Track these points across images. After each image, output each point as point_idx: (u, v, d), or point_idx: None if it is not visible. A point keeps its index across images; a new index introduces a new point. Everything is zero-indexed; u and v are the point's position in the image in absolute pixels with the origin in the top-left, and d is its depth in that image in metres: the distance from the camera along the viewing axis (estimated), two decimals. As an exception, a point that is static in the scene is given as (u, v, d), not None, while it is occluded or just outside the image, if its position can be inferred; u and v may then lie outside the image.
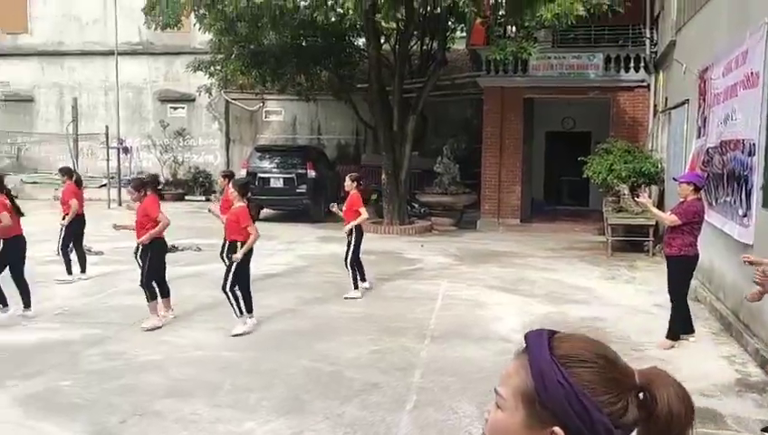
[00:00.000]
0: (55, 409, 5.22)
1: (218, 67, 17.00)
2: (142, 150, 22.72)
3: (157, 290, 7.65)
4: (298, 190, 16.64)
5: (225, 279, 7.32)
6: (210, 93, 19.27)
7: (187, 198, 21.70)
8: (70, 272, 9.73)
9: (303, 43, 16.59)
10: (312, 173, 16.77)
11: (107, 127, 19.74)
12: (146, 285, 7.54)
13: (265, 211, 17.62)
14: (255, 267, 10.75)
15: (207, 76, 17.52)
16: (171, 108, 22.88)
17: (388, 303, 8.89)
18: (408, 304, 8.73)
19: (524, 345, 1.12)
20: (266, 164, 17.21)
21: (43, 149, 22.74)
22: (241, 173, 17.66)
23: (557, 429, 1.04)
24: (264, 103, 22.36)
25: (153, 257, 7.61)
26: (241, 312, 7.32)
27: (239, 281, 7.36)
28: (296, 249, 13.06)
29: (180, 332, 7.40)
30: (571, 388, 1.04)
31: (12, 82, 23.19)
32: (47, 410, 5.18)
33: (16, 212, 7.65)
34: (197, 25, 14.41)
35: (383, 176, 15.86)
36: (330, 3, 12.29)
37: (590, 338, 1.15)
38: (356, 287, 9.09)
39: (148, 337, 7.15)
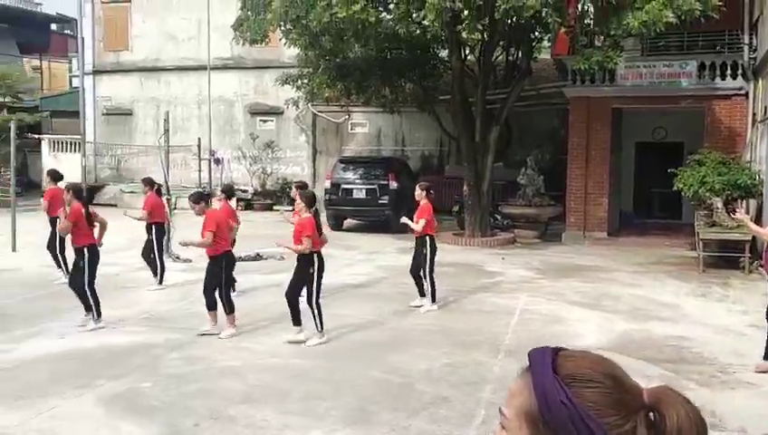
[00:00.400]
0: (136, 409, 5.45)
1: (305, 81, 17.38)
2: (233, 162, 23.51)
3: (218, 302, 7.71)
4: (380, 201, 16.77)
5: (309, 293, 7.39)
6: (297, 106, 19.70)
7: (275, 207, 22.22)
8: (161, 281, 10.09)
9: (388, 56, 16.75)
10: (393, 184, 16.87)
11: (199, 139, 20.52)
12: (224, 297, 7.72)
13: (348, 221, 17.90)
14: (335, 277, 10.91)
15: (295, 90, 17.95)
16: (261, 120, 23.57)
17: (465, 316, 8.82)
18: (484, 318, 8.63)
19: (528, 363, 1.09)
20: (349, 175, 17.45)
21: (140, 160, 23.88)
22: (325, 184, 18.05)
23: None
24: (349, 115, 22.68)
25: (225, 270, 7.78)
26: (321, 326, 7.37)
27: (299, 291, 7.40)
28: (376, 260, 13.16)
29: (259, 339, 7.58)
30: (575, 409, 1.00)
31: (113, 97, 24.53)
32: (128, 411, 5.42)
33: (88, 223, 7.87)
34: (283, 40, 14.79)
35: (464, 187, 15.77)
36: (413, 16, 12.35)
37: (598, 356, 1.11)
38: (434, 300, 9.00)
39: (227, 343, 7.35)
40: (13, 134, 13.36)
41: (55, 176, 10.84)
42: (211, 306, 7.72)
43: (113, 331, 7.78)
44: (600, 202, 16.20)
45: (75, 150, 24.88)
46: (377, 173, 17.22)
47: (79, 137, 24.64)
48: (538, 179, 16.33)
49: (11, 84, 23.43)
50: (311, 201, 7.63)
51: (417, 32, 13.10)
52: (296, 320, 7.39)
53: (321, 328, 7.39)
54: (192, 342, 7.35)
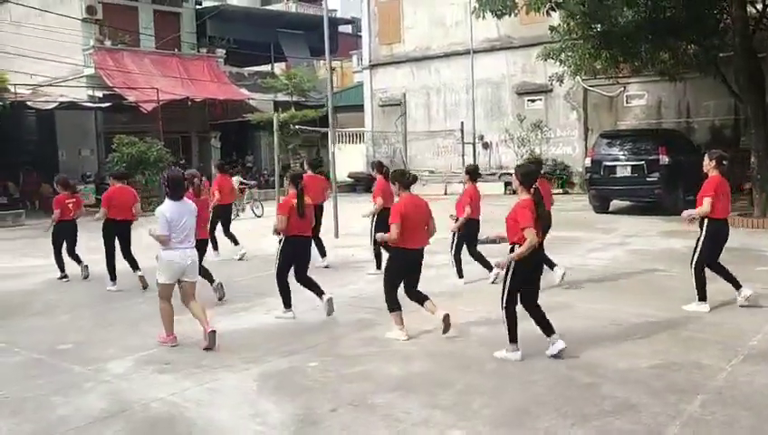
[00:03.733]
0: (286, 388, 5.24)
1: (569, 53, 16.12)
2: (500, 145, 23.00)
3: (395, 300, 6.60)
4: (648, 179, 14.87)
5: (502, 296, 5.78)
6: (561, 82, 18.46)
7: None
8: (378, 266, 9.78)
9: (661, 17, 14.73)
10: (665, 159, 14.83)
11: (462, 123, 20.40)
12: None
13: (615, 203, 16.30)
14: (571, 260, 9.78)
15: (558, 64, 16.77)
16: (528, 100, 22.71)
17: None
18: (732, 313, 6.96)
19: None
20: (614, 151, 15.79)
21: (412, 147, 24.59)
22: (586, 162, 16.65)
23: None
24: (624, 88, 20.76)
25: (388, 263, 6.82)
26: (511, 339, 5.76)
27: (513, 301, 5.74)
28: (630, 244, 11.66)
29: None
30: None
31: (387, 89, 25.59)
32: (278, 389, 5.23)
33: (299, 214, 7.24)
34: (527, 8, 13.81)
35: (752, 159, 13.27)
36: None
37: None
38: (702, 299, 7.10)
39: (417, 326, 6.78)
40: (276, 127, 14.48)
41: (311, 164, 11.20)
42: (418, 300, 6.65)
43: (313, 310, 7.64)
44: None
45: (356, 141, 26.54)
46: (645, 147, 15.33)
47: (359, 129, 26.26)
48: None
49: (296, 84, 25.69)
50: (529, 179, 5.87)
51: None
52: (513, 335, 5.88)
53: (512, 341, 5.76)
54: (380, 323, 7.00)
